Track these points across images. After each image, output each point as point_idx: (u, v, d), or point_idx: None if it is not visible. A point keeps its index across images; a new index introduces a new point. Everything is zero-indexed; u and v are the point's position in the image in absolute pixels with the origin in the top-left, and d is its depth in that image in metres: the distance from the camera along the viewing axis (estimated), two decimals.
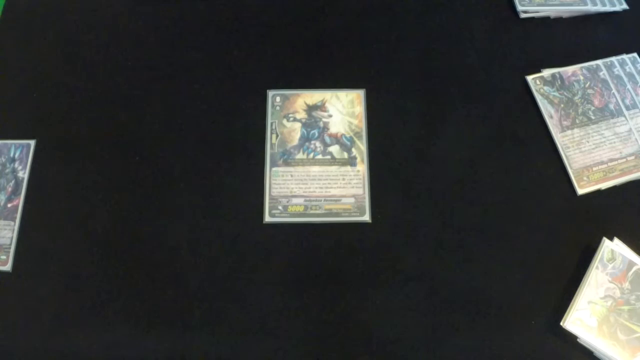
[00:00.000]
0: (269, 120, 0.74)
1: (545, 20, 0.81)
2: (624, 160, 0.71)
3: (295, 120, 0.74)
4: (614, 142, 0.72)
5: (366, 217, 0.68)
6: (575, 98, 0.75)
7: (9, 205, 0.70)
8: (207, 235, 0.67)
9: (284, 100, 0.75)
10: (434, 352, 0.62)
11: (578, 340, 0.61)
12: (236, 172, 0.71)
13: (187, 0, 0.83)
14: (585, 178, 0.70)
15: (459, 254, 0.66)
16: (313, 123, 0.73)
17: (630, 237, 0.66)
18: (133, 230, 0.68)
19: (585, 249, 0.66)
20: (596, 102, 0.74)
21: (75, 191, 0.70)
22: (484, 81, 0.77)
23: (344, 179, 0.70)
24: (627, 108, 0.74)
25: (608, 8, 0.81)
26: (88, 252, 0.67)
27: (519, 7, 0.81)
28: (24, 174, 0.71)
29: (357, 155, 0.71)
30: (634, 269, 0.63)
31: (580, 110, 0.74)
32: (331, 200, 0.69)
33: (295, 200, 0.69)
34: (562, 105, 0.74)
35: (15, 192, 0.70)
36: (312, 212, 0.68)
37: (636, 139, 0.72)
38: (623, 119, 0.73)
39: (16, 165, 0.72)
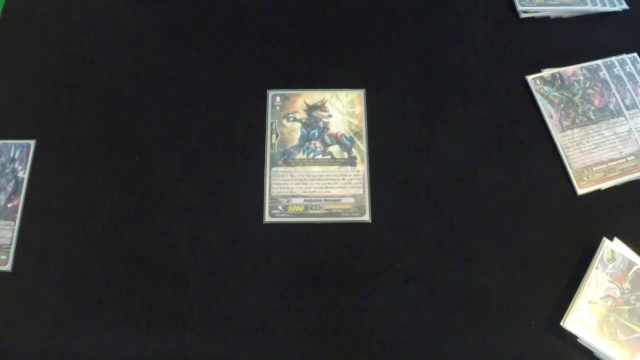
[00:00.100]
0: (269, 120, 0.74)
1: (545, 20, 0.81)
2: (624, 160, 0.71)
3: (295, 120, 0.74)
4: (614, 142, 0.72)
5: (366, 217, 0.68)
6: (575, 98, 0.75)
7: (9, 205, 0.70)
8: (207, 235, 0.67)
9: (284, 100, 0.75)
10: (434, 352, 0.62)
11: (578, 340, 0.61)
12: (236, 172, 0.71)
13: (187, 0, 0.83)
14: (585, 178, 0.70)
15: (459, 254, 0.66)
16: (313, 123, 0.73)
17: (630, 237, 0.66)
18: (133, 230, 0.68)
19: (585, 249, 0.66)
20: (596, 102, 0.74)
21: (75, 191, 0.70)
22: (484, 81, 0.77)
23: (344, 179, 0.70)
24: (627, 108, 0.74)
25: (608, 8, 0.81)
26: (88, 252, 0.67)
27: (519, 7, 0.81)
28: (24, 174, 0.71)
29: (357, 155, 0.71)
30: (634, 269, 0.63)
31: (580, 110, 0.74)
32: (331, 200, 0.69)
33: (295, 200, 0.69)
34: (562, 105, 0.74)
35: (15, 192, 0.70)
36: (312, 212, 0.68)
37: (636, 139, 0.72)
38: (623, 119, 0.73)
39: (16, 165, 0.72)
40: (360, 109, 0.74)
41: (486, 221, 0.68)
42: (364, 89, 0.75)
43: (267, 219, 0.68)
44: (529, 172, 0.71)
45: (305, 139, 0.72)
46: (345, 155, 0.71)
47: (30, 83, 0.77)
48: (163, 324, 0.63)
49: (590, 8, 0.80)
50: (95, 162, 0.72)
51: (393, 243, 0.67)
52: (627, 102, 0.74)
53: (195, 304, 0.64)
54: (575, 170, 0.70)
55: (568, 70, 0.77)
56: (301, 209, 0.68)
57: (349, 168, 0.71)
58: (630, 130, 0.73)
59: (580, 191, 0.69)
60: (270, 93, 0.75)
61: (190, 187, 0.70)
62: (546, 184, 0.70)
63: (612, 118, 0.73)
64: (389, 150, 0.72)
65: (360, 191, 0.69)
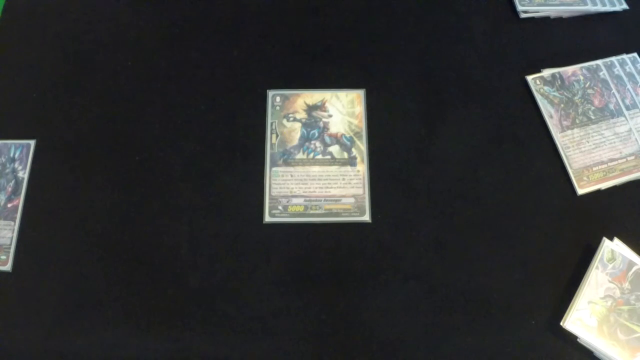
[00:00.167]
0: (269, 120, 0.74)
1: (545, 20, 0.81)
2: (624, 160, 0.71)
3: (295, 120, 0.74)
4: (614, 142, 0.72)
5: (366, 217, 0.68)
6: (575, 98, 0.75)
7: (9, 205, 0.70)
8: (207, 235, 0.67)
9: (284, 100, 0.75)
10: (434, 352, 0.62)
11: (578, 340, 0.61)
12: (236, 172, 0.71)
13: (187, 0, 0.83)
14: (585, 178, 0.70)
15: (459, 254, 0.66)
16: (313, 123, 0.73)
17: (630, 237, 0.66)
18: (133, 230, 0.68)
19: (585, 249, 0.66)
20: (596, 102, 0.74)
21: (75, 191, 0.70)
22: (484, 81, 0.77)
23: (344, 179, 0.70)
24: (627, 108, 0.74)
25: (608, 8, 0.81)
26: (88, 252, 0.67)
27: (519, 7, 0.81)
28: (24, 174, 0.71)
29: (357, 155, 0.71)
30: (634, 269, 0.63)
31: (580, 110, 0.74)
32: (331, 200, 0.69)
33: (295, 200, 0.69)
34: (562, 105, 0.74)
35: (15, 192, 0.70)
36: (312, 212, 0.68)
37: (636, 139, 0.72)
38: (623, 119, 0.73)
39: (16, 165, 0.72)
40: (360, 109, 0.74)
41: (486, 221, 0.68)
42: (364, 89, 0.75)
43: (267, 219, 0.68)
44: (529, 172, 0.71)
45: (305, 139, 0.72)
46: (345, 155, 0.71)
47: (30, 83, 0.77)
48: (163, 324, 0.63)
49: (590, 8, 0.80)
50: (95, 162, 0.72)
51: (393, 243, 0.67)
52: (627, 102, 0.74)
53: (195, 304, 0.64)
54: (575, 170, 0.70)
55: (568, 70, 0.77)
56: (301, 209, 0.68)
57: (349, 168, 0.71)
58: (630, 130, 0.73)
59: (580, 191, 0.69)
60: (270, 93, 0.75)
61: (190, 187, 0.70)
62: (546, 184, 0.70)
63: (612, 118, 0.73)
64: (389, 150, 0.72)
65: (360, 191, 0.69)
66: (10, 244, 0.67)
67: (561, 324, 0.61)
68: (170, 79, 0.77)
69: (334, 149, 0.72)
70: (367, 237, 0.67)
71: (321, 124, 0.73)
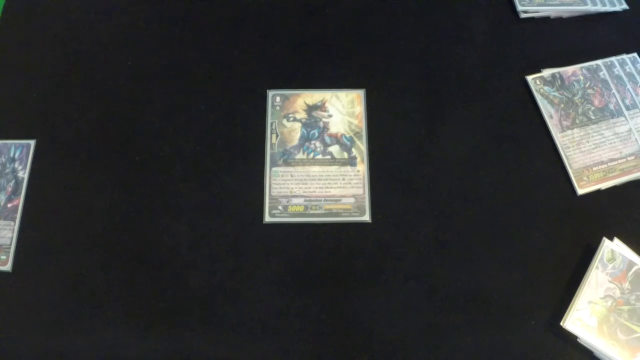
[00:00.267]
0: (269, 120, 0.74)
1: (545, 20, 0.81)
2: (624, 160, 0.71)
3: (295, 120, 0.74)
4: (614, 142, 0.72)
5: (366, 217, 0.68)
6: (575, 98, 0.75)
7: (9, 205, 0.70)
8: (207, 235, 0.67)
9: (284, 100, 0.75)
10: (434, 352, 0.62)
11: (578, 340, 0.61)
12: (236, 172, 0.71)
13: (187, 0, 0.83)
14: (585, 178, 0.70)
15: (459, 254, 0.66)
16: (313, 123, 0.73)
17: (630, 237, 0.66)
18: (133, 230, 0.68)
19: (585, 249, 0.66)
20: (596, 102, 0.74)
21: (75, 191, 0.70)
22: (484, 81, 0.77)
23: (344, 179, 0.70)
24: (627, 108, 0.74)
25: (608, 8, 0.81)
26: (88, 252, 0.67)
27: (519, 7, 0.81)
28: (24, 174, 0.71)
29: (357, 155, 0.71)
30: (634, 269, 0.63)
31: (580, 110, 0.74)
32: (331, 200, 0.69)
33: (295, 200, 0.69)
34: (562, 105, 0.74)
35: (15, 192, 0.70)
36: (312, 212, 0.68)
37: (636, 139, 0.72)
38: (623, 119, 0.73)
39: (16, 165, 0.72)
40: (360, 109, 0.74)
41: (486, 221, 0.68)
42: (364, 89, 0.75)
43: (267, 219, 0.68)
44: (529, 172, 0.71)
45: (305, 139, 0.72)
46: (345, 155, 0.71)
47: (30, 83, 0.77)
48: (163, 324, 0.63)
49: (590, 8, 0.80)
50: (95, 162, 0.72)
51: (393, 243, 0.67)
52: (627, 102, 0.74)
53: (195, 304, 0.64)
54: (575, 170, 0.70)
55: (568, 70, 0.77)
56: (301, 209, 0.68)
57: (349, 168, 0.71)
58: (630, 130, 0.73)
59: (580, 191, 0.69)
60: (270, 93, 0.75)
61: (190, 187, 0.70)
62: (546, 184, 0.70)
63: (612, 118, 0.73)
64: (389, 150, 0.72)
65: (360, 191, 0.69)
66: (10, 244, 0.67)
67: (561, 324, 0.61)
68: (170, 79, 0.77)
69: (334, 149, 0.72)
70: (367, 237, 0.67)
71: (321, 124, 0.73)
